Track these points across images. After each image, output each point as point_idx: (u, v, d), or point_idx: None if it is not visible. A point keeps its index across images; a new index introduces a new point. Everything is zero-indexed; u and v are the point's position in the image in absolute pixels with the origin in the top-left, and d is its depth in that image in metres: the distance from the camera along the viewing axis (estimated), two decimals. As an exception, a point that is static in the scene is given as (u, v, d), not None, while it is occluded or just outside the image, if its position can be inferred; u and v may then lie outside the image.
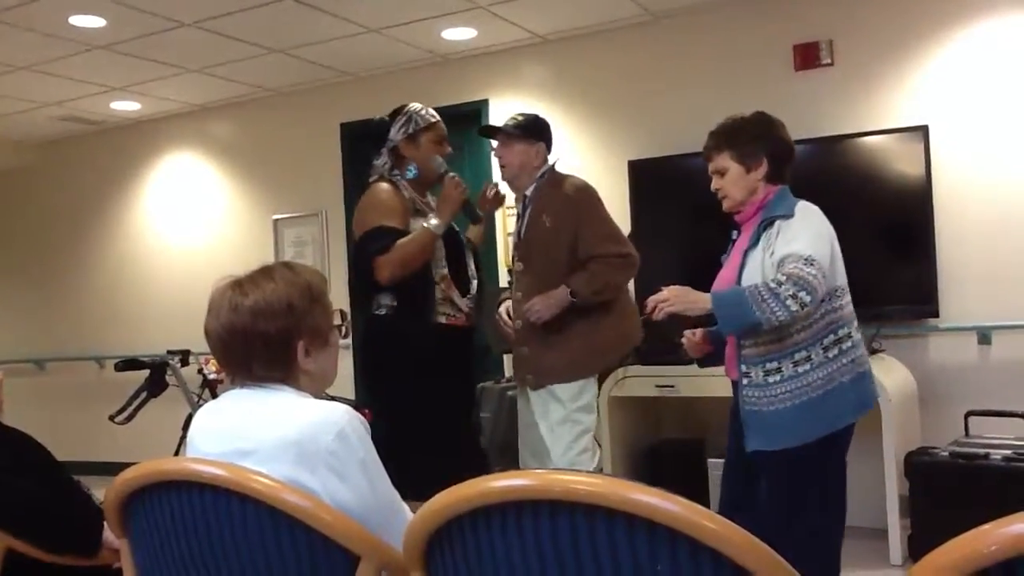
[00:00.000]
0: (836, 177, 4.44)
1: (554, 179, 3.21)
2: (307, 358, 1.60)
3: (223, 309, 1.57)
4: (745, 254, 2.54)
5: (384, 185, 3.14)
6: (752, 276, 2.47)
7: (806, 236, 2.39)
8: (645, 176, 4.91)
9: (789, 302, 2.28)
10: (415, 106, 3.21)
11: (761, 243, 2.49)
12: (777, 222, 2.48)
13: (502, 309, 3.27)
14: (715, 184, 2.61)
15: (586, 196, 3.17)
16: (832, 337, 2.46)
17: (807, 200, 2.59)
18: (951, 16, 4.36)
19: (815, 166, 4.48)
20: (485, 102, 5.49)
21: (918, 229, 4.31)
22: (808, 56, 4.64)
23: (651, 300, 2.53)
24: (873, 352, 4.15)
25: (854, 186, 4.43)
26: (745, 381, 2.53)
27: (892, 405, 3.79)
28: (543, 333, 3.11)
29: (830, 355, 2.44)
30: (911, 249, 4.36)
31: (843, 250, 2.56)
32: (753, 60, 4.77)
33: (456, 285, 3.13)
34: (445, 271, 3.12)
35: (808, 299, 2.29)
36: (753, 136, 2.55)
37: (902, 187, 4.35)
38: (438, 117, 3.23)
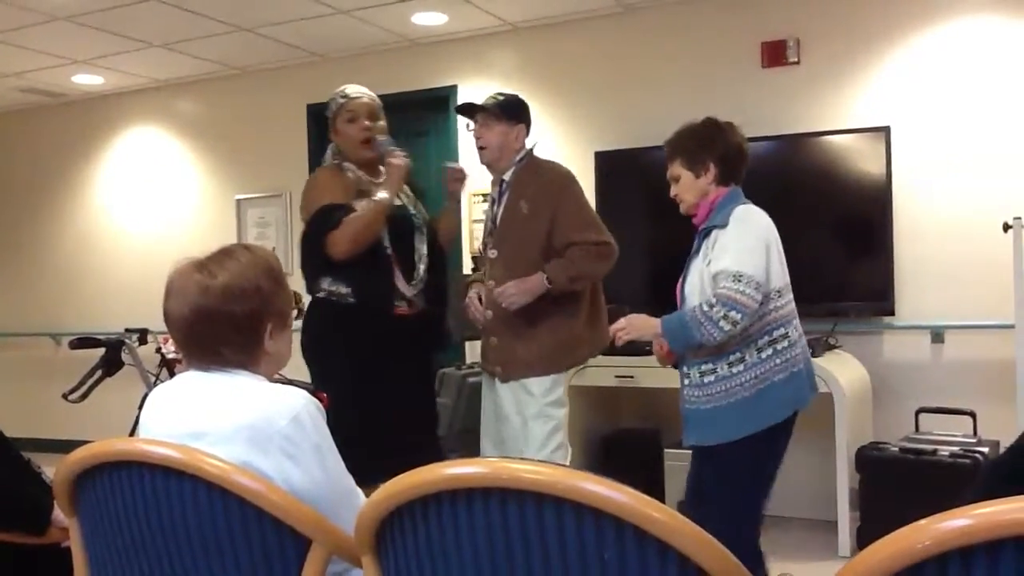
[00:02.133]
0: (799, 175, 4.50)
1: (533, 164, 3.14)
2: (270, 340, 1.59)
3: (190, 292, 1.53)
4: (689, 262, 2.69)
5: (322, 170, 3.15)
6: (693, 283, 2.62)
7: (734, 250, 2.49)
8: (611, 167, 4.93)
9: (721, 323, 2.42)
10: (335, 91, 3.16)
11: (701, 252, 2.62)
12: (714, 232, 2.58)
13: (473, 294, 3.16)
14: (672, 191, 2.73)
15: (565, 182, 3.10)
16: (767, 339, 2.54)
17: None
18: (916, 18, 4.43)
19: (779, 163, 4.54)
20: (454, 88, 5.47)
21: (877, 228, 4.38)
22: (775, 53, 4.68)
23: (611, 329, 2.71)
24: (829, 348, 4.22)
25: (816, 184, 4.48)
26: (685, 381, 2.67)
27: (846, 400, 3.85)
28: (515, 324, 3.02)
29: (763, 356, 2.53)
30: (870, 248, 4.43)
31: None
32: (722, 55, 4.80)
33: (400, 269, 3.03)
34: (387, 252, 3.01)
35: (739, 316, 2.42)
36: (700, 143, 2.66)
37: (863, 186, 4.42)
38: (351, 95, 3.11)
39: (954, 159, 4.35)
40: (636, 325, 2.65)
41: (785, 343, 2.56)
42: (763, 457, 2.61)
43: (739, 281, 2.42)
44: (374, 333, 2.98)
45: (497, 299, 3.00)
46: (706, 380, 2.58)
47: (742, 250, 2.49)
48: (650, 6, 4.95)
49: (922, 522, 0.98)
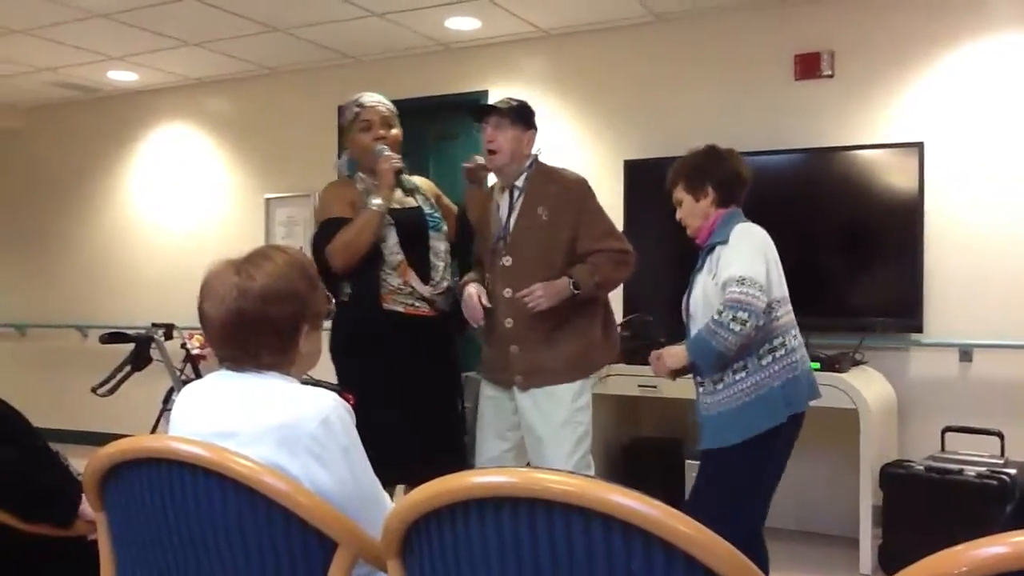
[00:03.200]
0: (830, 189, 4.46)
1: (545, 170, 3.11)
2: (304, 341, 1.60)
3: (228, 295, 1.54)
4: (693, 277, 2.85)
5: (331, 184, 3.18)
6: (697, 297, 2.78)
7: (736, 260, 2.66)
8: (640, 176, 4.91)
9: (732, 325, 2.56)
10: (351, 99, 3.17)
11: (706, 267, 2.78)
12: (717, 248, 2.75)
13: (472, 289, 3.05)
14: (677, 214, 2.90)
15: (585, 189, 3.08)
16: (767, 346, 2.68)
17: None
18: (952, 33, 4.39)
19: (810, 177, 4.51)
20: (485, 93, 5.48)
21: (908, 244, 4.33)
22: (809, 66, 4.65)
23: (655, 369, 2.86)
24: (855, 363, 4.19)
25: (847, 199, 4.45)
26: (700, 390, 2.81)
27: (871, 416, 3.82)
28: (538, 332, 2.98)
29: (763, 363, 2.67)
30: (899, 263, 4.39)
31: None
32: (754, 67, 4.78)
33: (417, 271, 3.03)
34: (399, 258, 3.02)
35: (746, 315, 2.56)
36: (698, 169, 2.84)
37: (894, 202, 4.38)
38: (366, 104, 3.11)
39: (988, 176, 4.30)
40: (674, 355, 2.78)
41: (783, 351, 2.69)
42: (758, 464, 2.70)
43: (743, 284, 2.58)
44: (392, 334, 3.00)
45: (523, 300, 2.93)
46: (716, 388, 2.72)
47: (744, 259, 2.65)
48: (682, 15, 4.93)
49: (958, 548, 0.97)
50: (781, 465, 2.79)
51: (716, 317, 2.59)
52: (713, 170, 2.82)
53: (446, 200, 3.33)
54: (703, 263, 2.80)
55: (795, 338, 2.73)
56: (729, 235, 2.71)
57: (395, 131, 3.13)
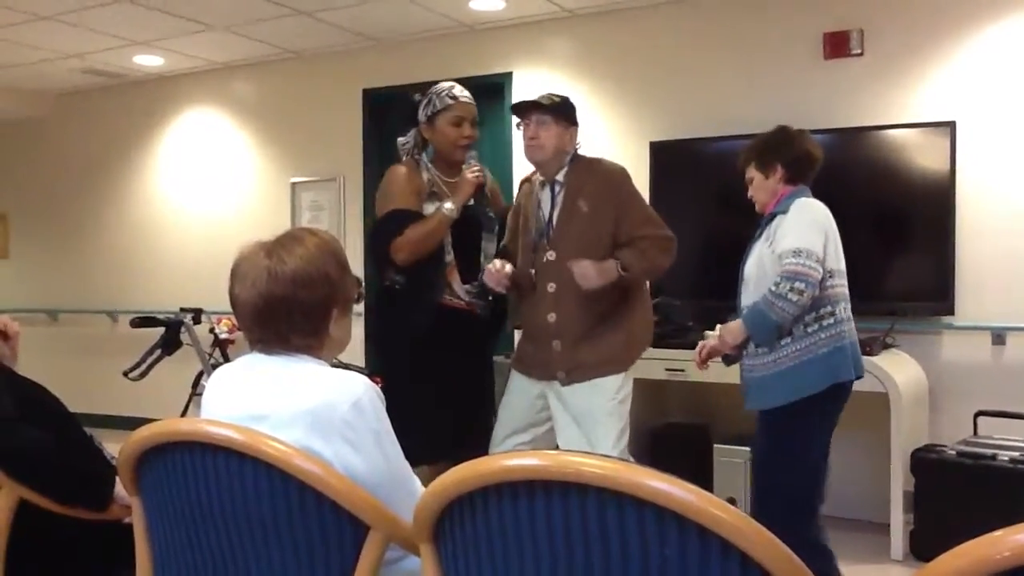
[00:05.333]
0: (860, 169, 4.40)
1: (584, 162, 3.08)
2: (334, 325, 1.60)
3: (260, 277, 1.54)
4: (751, 244, 2.97)
5: (401, 168, 3.17)
6: (752, 263, 2.90)
7: (794, 230, 2.76)
8: (666, 158, 4.88)
9: (790, 295, 2.68)
10: (440, 86, 3.17)
11: (764, 235, 2.90)
12: (777, 217, 2.86)
13: (497, 262, 3.03)
14: (748, 192, 3.03)
15: (624, 178, 3.06)
16: (814, 314, 2.77)
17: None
18: (984, 10, 4.30)
19: (839, 157, 4.43)
20: (509, 75, 5.45)
21: (939, 226, 4.27)
22: (838, 45, 4.58)
23: (704, 351, 3.04)
24: (886, 347, 4.14)
25: (878, 179, 4.39)
26: (746, 352, 2.93)
27: (902, 400, 3.78)
28: (580, 326, 2.97)
29: (809, 330, 2.77)
30: (931, 246, 4.33)
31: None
32: (782, 46, 4.72)
33: (461, 273, 3.12)
34: (449, 258, 3.10)
35: (803, 286, 2.67)
36: (769, 147, 2.98)
37: (926, 183, 4.31)
38: (460, 98, 3.14)
39: (1021, 156, 4.22)
40: (732, 330, 2.89)
41: (831, 320, 2.78)
42: (802, 431, 2.82)
43: (799, 255, 2.69)
44: (429, 322, 3.06)
45: (574, 272, 2.89)
46: (759, 351, 2.84)
47: (801, 231, 2.75)
48: (710, -5, 4.88)
49: (998, 533, 0.95)
50: (826, 438, 2.87)
51: (773, 288, 2.70)
52: (782, 149, 2.94)
53: (500, 198, 3.38)
54: (762, 231, 2.91)
55: (845, 310, 2.82)
56: (790, 206, 2.83)
57: (477, 132, 3.21)
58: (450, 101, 3.13)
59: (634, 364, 3.11)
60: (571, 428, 3.01)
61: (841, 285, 2.83)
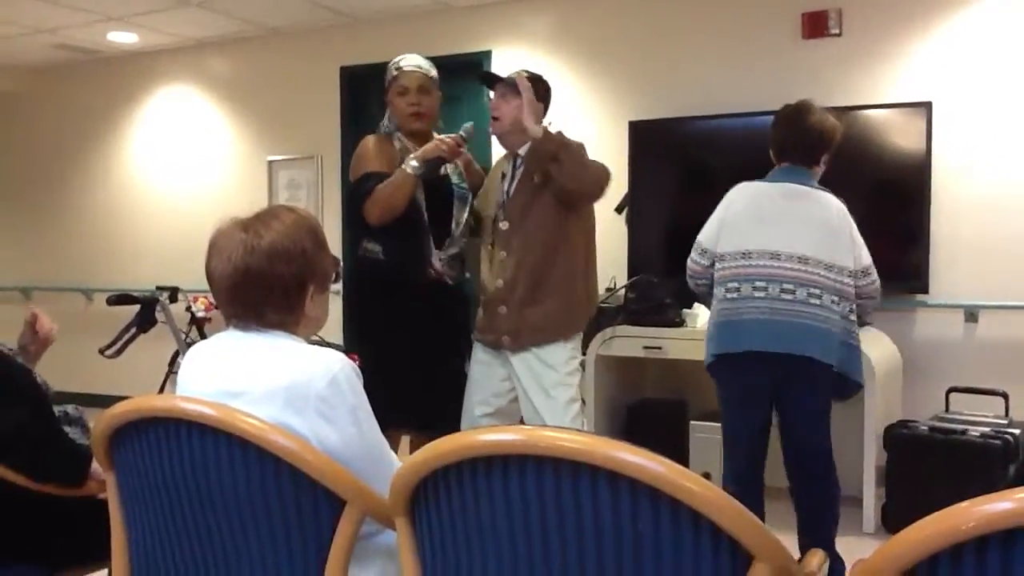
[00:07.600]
0: (837, 148, 4.42)
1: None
2: (310, 302, 1.60)
3: (237, 251, 1.53)
4: None
5: (371, 137, 3.21)
6: None
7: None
8: (645, 137, 4.88)
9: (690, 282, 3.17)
10: (394, 60, 3.21)
11: None
12: None
13: (444, 137, 3.10)
14: None
15: (579, 148, 3.05)
16: (717, 291, 3.03)
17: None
18: (962, -9, 4.32)
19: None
20: (488, 53, 5.42)
21: (914, 205, 4.31)
22: (817, 24, 4.59)
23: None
24: (861, 324, 4.17)
25: (854, 159, 4.39)
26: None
27: (875, 377, 3.82)
28: (524, 290, 3.03)
29: (712, 305, 3.07)
30: (906, 224, 4.36)
31: None
32: (761, 25, 4.72)
33: (434, 235, 3.13)
34: (424, 219, 3.12)
35: (688, 275, 3.13)
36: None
37: (902, 162, 4.34)
38: (404, 68, 3.16)
39: (997, 136, 4.26)
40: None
41: (722, 298, 2.99)
42: (719, 392, 3.12)
43: (693, 250, 3.08)
44: (403, 291, 3.10)
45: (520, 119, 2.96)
46: None
47: (709, 221, 3.08)
48: (689, -27, 4.86)
49: (965, 504, 0.97)
50: (736, 411, 3.06)
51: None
52: (771, 130, 3.13)
53: (476, 166, 3.38)
54: None
55: (732, 291, 2.96)
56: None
57: (429, 99, 3.18)
58: (395, 72, 3.17)
59: (579, 336, 3.16)
60: (525, 401, 3.09)
61: (729, 268, 2.97)
